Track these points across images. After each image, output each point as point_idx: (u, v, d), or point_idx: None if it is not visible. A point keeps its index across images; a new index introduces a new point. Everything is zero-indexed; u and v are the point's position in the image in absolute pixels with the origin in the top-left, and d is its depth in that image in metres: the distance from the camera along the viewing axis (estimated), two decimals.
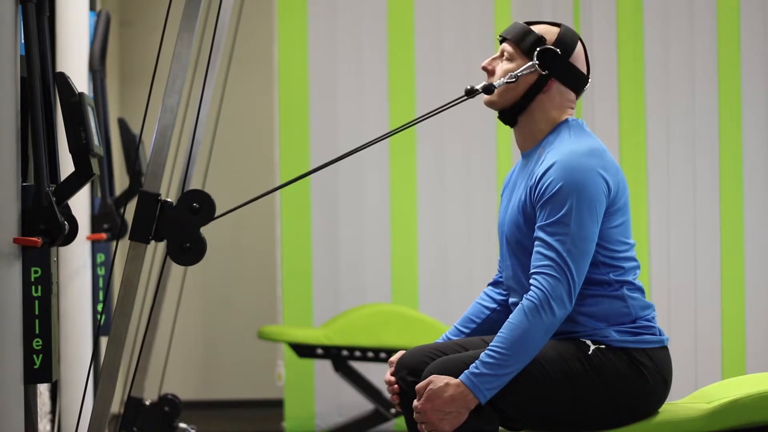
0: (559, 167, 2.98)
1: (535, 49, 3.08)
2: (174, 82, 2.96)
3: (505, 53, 3.13)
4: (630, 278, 3.07)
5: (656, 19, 5.77)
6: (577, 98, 3.15)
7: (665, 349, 3.08)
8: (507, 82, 3.08)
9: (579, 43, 3.13)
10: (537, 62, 3.08)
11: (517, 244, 3.09)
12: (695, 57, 5.76)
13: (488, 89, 3.09)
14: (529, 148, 3.14)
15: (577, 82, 3.12)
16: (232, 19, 5.08)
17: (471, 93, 3.10)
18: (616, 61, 5.79)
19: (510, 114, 3.13)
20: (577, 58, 3.12)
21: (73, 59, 4.53)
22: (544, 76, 3.09)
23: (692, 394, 3.22)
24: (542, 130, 3.12)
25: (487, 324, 3.27)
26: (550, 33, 3.11)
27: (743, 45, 5.73)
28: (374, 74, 5.99)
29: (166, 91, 2.96)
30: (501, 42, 3.16)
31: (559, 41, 3.10)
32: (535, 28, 3.12)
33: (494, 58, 3.15)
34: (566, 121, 3.11)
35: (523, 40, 3.10)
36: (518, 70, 3.08)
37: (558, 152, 3.02)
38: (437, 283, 5.97)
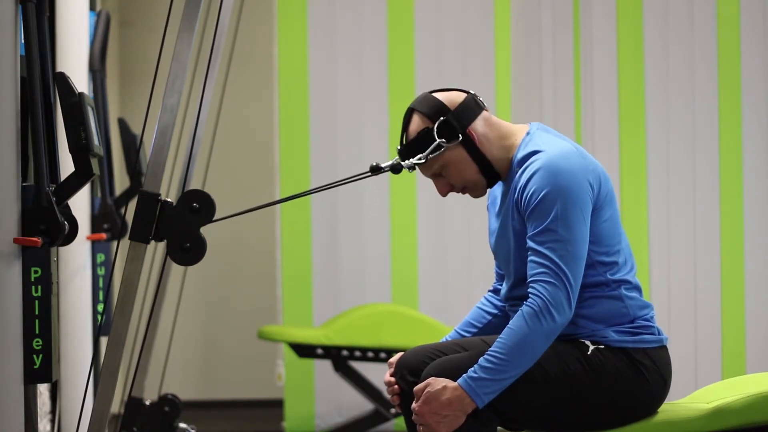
0: (539, 176, 2.98)
1: (433, 138, 3.06)
2: (174, 82, 2.96)
3: (434, 165, 3.10)
4: (627, 276, 3.06)
5: (656, 19, 5.77)
6: (487, 110, 3.12)
7: (664, 348, 3.08)
8: (417, 163, 3.07)
9: (436, 94, 3.10)
10: (444, 140, 3.06)
11: (513, 263, 3.09)
12: (695, 57, 5.76)
13: (396, 168, 3.08)
14: (506, 175, 3.13)
15: (473, 109, 3.09)
16: (232, 19, 5.08)
17: (376, 170, 3.10)
18: (616, 61, 5.79)
19: (490, 180, 3.12)
20: (451, 100, 3.09)
21: (73, 59, 4.53)
22: (463, 139, 3.07)
23: (692, 394, 3.22)
24: (508, 158, 3.11)
25: (488, 329, 3.27)
26: (424, 117, 3.08)
27: (743, 45, 5.73)
28: (374, 74, 5.99)
29: (166, 91, 2.96)
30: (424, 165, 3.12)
31: (435, 111, 3.07)
32: (413, 126, 3.09)
33: (436, 180, 3.13)
34: (526, 134, 3.10)
35: (426, 141, 3.06)
36: (425, 152, 3.06)
37: (534, 163, 3.01)
38: (437, 283, 5.97)
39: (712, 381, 3.96)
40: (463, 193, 3.15)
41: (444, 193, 3.16)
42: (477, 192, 3.15)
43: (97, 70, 4.67)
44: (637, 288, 3.08)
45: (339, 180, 3.18)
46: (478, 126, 3.09)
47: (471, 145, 3.08)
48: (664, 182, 5.77)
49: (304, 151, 5.99)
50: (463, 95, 3.11)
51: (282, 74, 6.01)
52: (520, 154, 3.07)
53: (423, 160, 3.07)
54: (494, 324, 3.27)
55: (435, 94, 3.11)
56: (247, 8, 5.55)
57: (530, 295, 2.94)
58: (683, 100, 5.77)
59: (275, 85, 6.19)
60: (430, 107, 3.08)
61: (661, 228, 5.77)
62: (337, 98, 6.00)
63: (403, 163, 3.09)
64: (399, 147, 3.12)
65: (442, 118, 3.06)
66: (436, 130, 3.06)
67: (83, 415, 3.10)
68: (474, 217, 5.92)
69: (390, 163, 3.10)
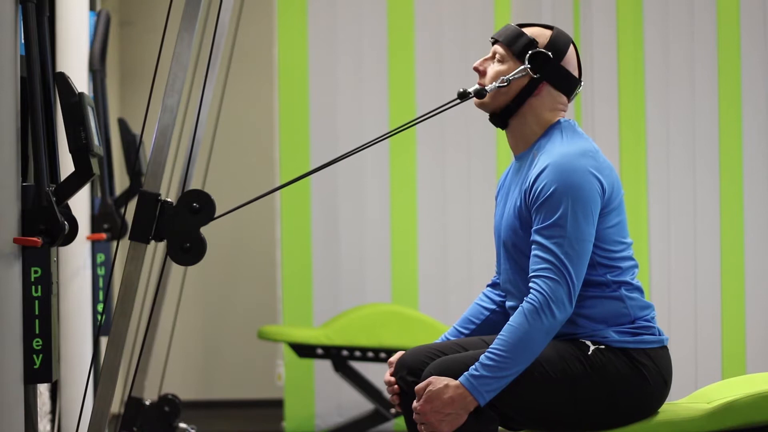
0: (552, 170, 2.98)
1: (527, 53, 3.09)
2: (174, 82, 2.96)
3: (497, 55, 3.13)
4: (628, 278, 3.06)
5: (656, 19, 5.77)
6: (569, 101, 3.15)
7: (665, 348, 3.08)
8: (499, 87, 3.09)
9: (571, 46, 3.13)
10: (529, 66, 3.08)
11: (514, 247, 3.09)
12: (695, 57, 5.76)
13: (480, 93, 3.10)
14: (522, 150, 3.14)
15: (569, 85, 3.12)
16: (232, 19, 5.08)
17: (464, 96, 3.10)
18: (616, 61, 5.79)
19: (501, 117, 3.14)
20: (569, 61, 3.12)
21: (73, 59, 4.53)
22: (536, 79, 3.09)
23: (692, 394, 3.22)
24: (534, 132, 3.12)
25: (487, 325, 3.27)
26: (542, 36, 3.11)
27: (743, 45, 5.73)
28: (374, 73, 5.99)
29: (166, 91, 2.97)
30: (493, 44, 3.17)
31: (551, 44, 3.10)
32: (528, 31, 3.12)
33: (486, 59, 3.15)
34: (558, 122, 3.11)
35: (514, 43, 3.10)
36: (510, 74, 3.08)
37: (551, 154, 3.02)
38: (437, 283, 5.97)
39: (712, 381, 3.96)
40: (480, 83, 3.12)
41: (476, 65, 3.14)
42: (484, 102, 3.12)
43: (97, 70, 4.67)
44: (638, 289, 3.08)
45: (390, 131, 3.17)
46: (548, 91, 3.10)
47: (529, 89, 3.08)
48: (664, 182, 5.77)
49: (304, 151, 5.99)
50: (577, 72, 3.12)
51: (282, 74, 6.01)
52: (541, 141, 3.08)
53: (506, 84, 3.08)
54: (492, 320, 3.27)
55: (571, 44, 3.12)
56: (247, 8, 5.55)
57: (531, 290, 2.95)
58: (683, 100, 5.77)
59: (275, 85, 6.19)
60: (557, 41, 3.10)
61: (661, 228, 5.77)
62: (337, 98, 6.00)
63: (487, 87, 3.08)
64: (506, 25, 3.14)
65: (549, 54, 3.08)
66: (532, 54, 3.07)
67: (83, 415, 3.10)
68: (474, 218, 5.92)
69: (475, 87, 3.09)
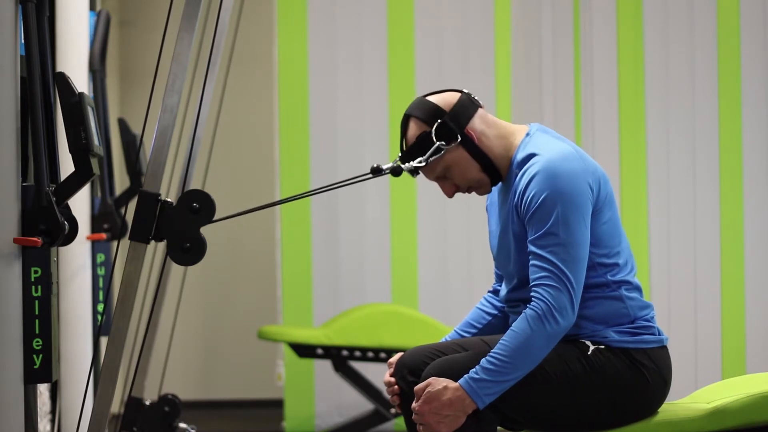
0: (539, 179, 2.97)
1: (432, 141, 3.06)
2: (174, 82, 2.96)
3: (437, 168, 3.10)
4: (627, 277, 3.06)
5: (656, 19, 5.77)
6: (483, 108, 3.12)
7: (664, 348, 3.08)
8: (418, 166, 3.06)
9: (433, 96, 3.10)
10: (443, 143, 3.06)
11: (513, 266, 3.08)
12: (695, 57, 5.76)
13: (395, 170, 3.06)
14: (505, 175, 3.12)
15: (471, 107, 3.09)
16: (232, 19, 5.08)
17: (377, 172, 3.08)
18: (616, 61, 5.79)
19: (493, 178, 3.12)
20: (445, 101, 3.09)
21: (73, 59, 4.53)
22: (461, 140, 3.07)
23: (692, 394, 3.22)
24: (507, 157, 3.10)
25: (488, 329, 3.27)
26: (421, 123, 3.07)
27: (743, 45, 5.73)
28: (374, 74, 5.99)
29: (166, 91, 2.97)
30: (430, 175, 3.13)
31: (431, 115, 3.06)
32: (411, 131, 3.08)
33: (441, 181, 3.12)
34: (526, 135, 3.10)
35: (422, 147, 3.06)
36: (426, 156, 3.05)
37: (533, 166, 3.00)
38: (437, 284, 5.97)
39: (712, 381, 3.96)
40: (469, 192, 3.15)
41: (450, 195, 3.15)
42: (482, 190, 3.15)
43: (97, 70, 4.67)
44: (638, 288, 3.08)
45: (339, 181, 3.16)
46: (476, 124, 3.09)
47: (471, 145, 3.07)
48: (664, 182, 5.77)
49: (304, 151, 5.99)
50: (458, 95, 3.10)
51: (282, 74, 6.01)
52: (519, 156, 3.06)
53: (423, 164, 3.06)
54: (494, 324, 3.27)
55: (429, 98, 3.11)
56: (247, 8, 5.55)
57: (533, 299, 2.94)
58: (683, 101, 5.77)
59: (275, 85, 6.20)
60: (425, 111, 3.08)
61: (661, 228, 5.77)
62: (337, 98, 6.00)
63: (403, 165, 3.08)
64: (400, 153, 3.12)
65: (439, 121, 3.06)
66: (434, 133, 3.06)
67: (83, 415, 3.10)
68: (474, 217, 5.92)
69: (390, 165, 3.09)
